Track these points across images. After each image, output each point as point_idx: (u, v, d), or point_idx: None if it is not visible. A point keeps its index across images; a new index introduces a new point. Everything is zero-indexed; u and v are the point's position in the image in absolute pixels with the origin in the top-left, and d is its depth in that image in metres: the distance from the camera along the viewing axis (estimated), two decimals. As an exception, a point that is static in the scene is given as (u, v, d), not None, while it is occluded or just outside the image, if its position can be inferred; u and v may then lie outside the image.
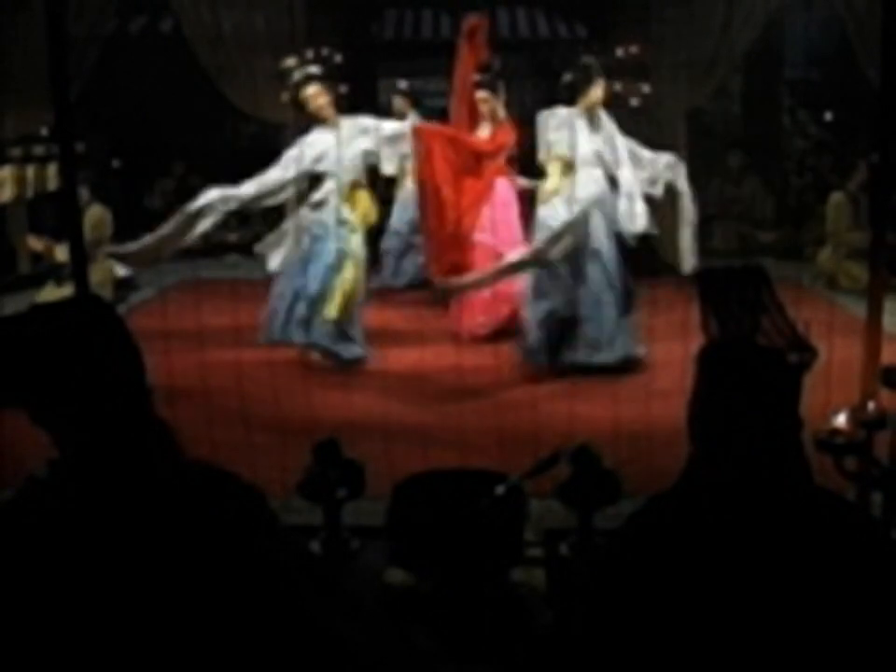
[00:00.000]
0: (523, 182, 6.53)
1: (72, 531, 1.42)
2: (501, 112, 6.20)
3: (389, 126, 5.78)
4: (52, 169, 7.63)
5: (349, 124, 5.53)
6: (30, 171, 7.70)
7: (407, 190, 7.29)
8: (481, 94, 6.08)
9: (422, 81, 11.54)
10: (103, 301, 1.59)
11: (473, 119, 6.18)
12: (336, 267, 5.39)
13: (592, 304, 5.37)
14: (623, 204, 5.32)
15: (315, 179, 5.56)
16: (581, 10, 10.21)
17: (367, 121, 5.64)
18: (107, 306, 1.55)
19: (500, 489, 2.78)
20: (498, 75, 6.36)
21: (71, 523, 1.42)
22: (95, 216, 7.07)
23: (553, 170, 5.55)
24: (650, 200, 5.40)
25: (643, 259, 8.24)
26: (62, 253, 6.99)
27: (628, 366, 5.37)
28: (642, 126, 7.68)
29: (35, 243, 7.37)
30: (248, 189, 5.37)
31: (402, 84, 8.16)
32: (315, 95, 5.41)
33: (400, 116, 7.72)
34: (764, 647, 1.56)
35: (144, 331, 1.77)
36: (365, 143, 5.51)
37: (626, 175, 5.36)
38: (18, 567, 1.42)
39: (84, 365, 1.45)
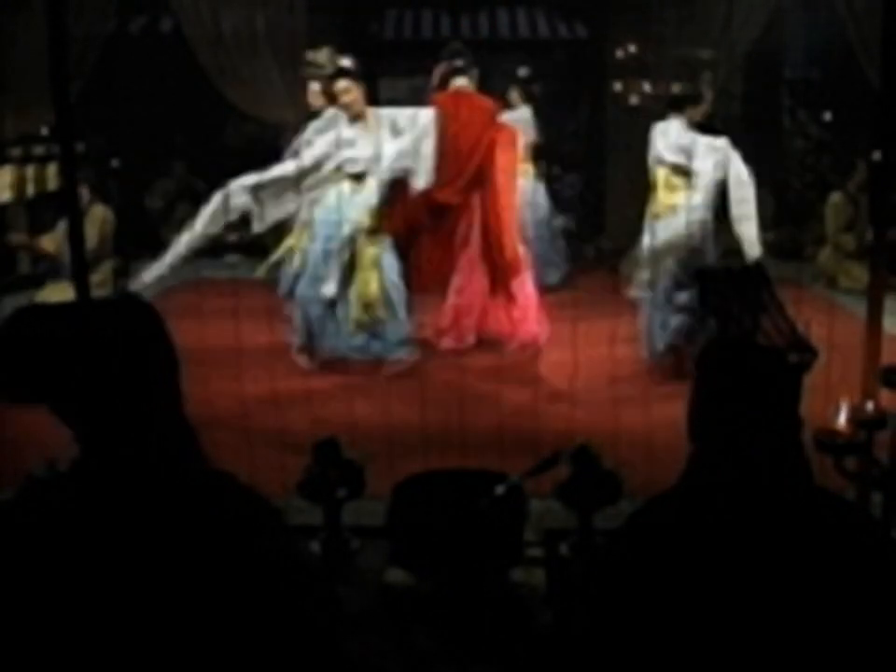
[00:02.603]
0: None
1: (91, 528, 1.42)
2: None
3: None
4: (52, 169, 7.64)
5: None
6: (30, 171, 7.70)
7: None
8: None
9: (422, 81, 11.54)
10: (145, 301, 1.57)
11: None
12: None
13: None
14: None
15: None
16: (581, 10, 10.21)
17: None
18: (149, 307, 1.55)
19: (500, 489, 2.79)
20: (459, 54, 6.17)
21: (92, 520, 1.43)
22: (97, 215, 7.07)
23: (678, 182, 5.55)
24: None
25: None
26: (49, 243, 7.02)
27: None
28: (642, 125, 7.67)
29: (19, 238, 7.39)
30: None
31: (522, 71, 7.78)
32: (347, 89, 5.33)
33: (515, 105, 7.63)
34: (765, 647, 1.56)
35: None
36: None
37: None
38: (34, 560, 1.42)
39: (125, 364, 1.45)
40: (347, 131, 5.34)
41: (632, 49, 8.44)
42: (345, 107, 5.36)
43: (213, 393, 4.23)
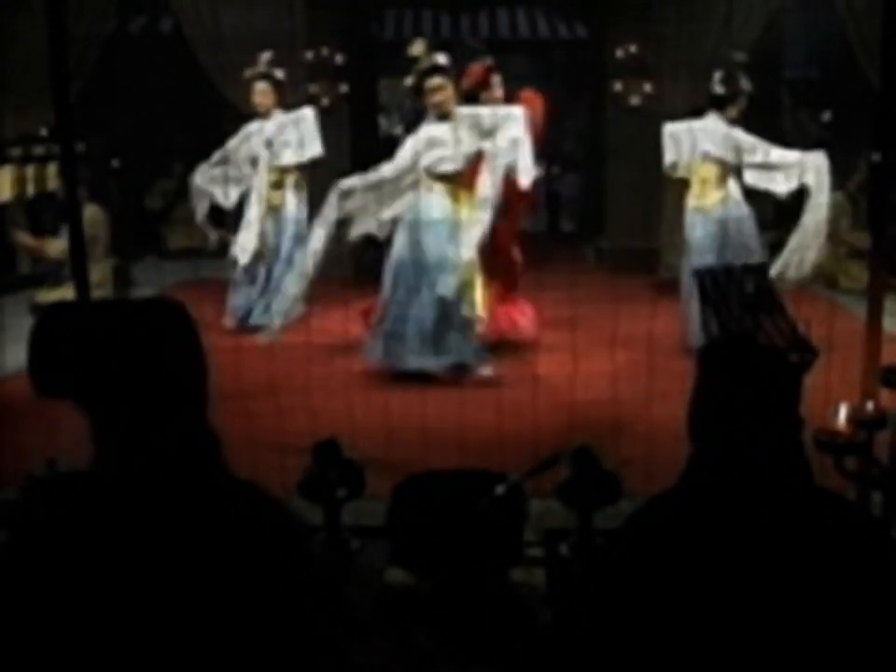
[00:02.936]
0: None
1: (107, 527, 1.43)
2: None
3: None
4: (52, 169, 7.65)
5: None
6: (30, 171, 7.71)
7: None
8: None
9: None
10: (182, 306, 1.57)
11: None
12: None
13: None
14: None
15: None
16: (580, 10, 10.22)
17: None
18: (185, 311, 1.55)
19: (500, 489, 2.78)
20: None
21: (109, 518, 1.44)
22: (89, 215, 7.07)
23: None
24: None
25: (643, 257, 8.26)
26: (53, 248, 7.05)
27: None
28: (642, 125, 7.68)
29: (25, 239, 7.40)
30: None
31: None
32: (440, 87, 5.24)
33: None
34: (765, 647, 1.56)
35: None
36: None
37: None
38: (50, 559, 1.42)
39: (157, 365, 1.46)
40: (436, 129, 5.27)
41: (632, 48, 8.43)
42: (436, 105, 5.25)
43: (212, 393, 4.24)
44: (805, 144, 9.98)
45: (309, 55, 8.21)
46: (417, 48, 5.35)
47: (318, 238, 5.17)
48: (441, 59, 5.24)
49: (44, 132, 7.73)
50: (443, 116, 5.26)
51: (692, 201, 6.09)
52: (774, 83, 9.90)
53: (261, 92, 6.77)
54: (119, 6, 7.67)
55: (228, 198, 6.85)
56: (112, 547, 1.41)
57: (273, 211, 6.70)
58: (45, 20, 3.08)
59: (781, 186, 5.88)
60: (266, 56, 6.72)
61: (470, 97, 5.75)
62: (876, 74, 3.55)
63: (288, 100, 7.74)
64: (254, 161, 6.79)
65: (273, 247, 6.70)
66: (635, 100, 8.46)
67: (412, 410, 4.55)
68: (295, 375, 4.86)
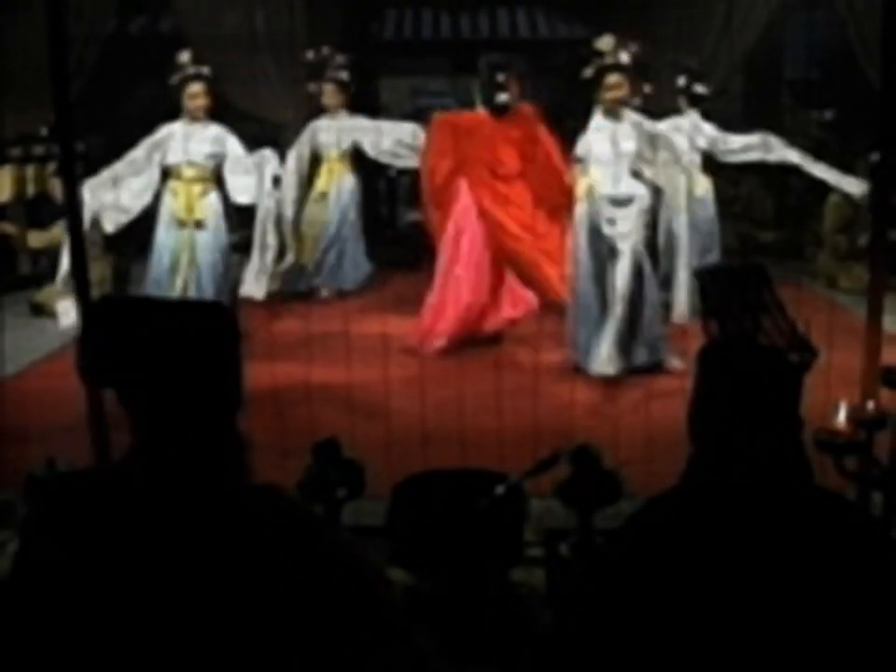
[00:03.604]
0: None
1: (128, 522, 1.44)
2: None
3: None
4: (52, 169, 7.65)
5: None
6: (30, 171, 7.72)
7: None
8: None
9: (422, 80, 11.55)
10: (229, 312, 1.60)
11: None
12: None
13: None
14: None
15: None
16: (581, 10, 10.21)
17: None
18: (233, 317, 1.57)
19: (500, 489, 2.78)
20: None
21: (132, 513, 1.45)
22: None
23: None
24: None
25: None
26: (35, 239, 7.07)
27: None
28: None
29: (7, 228, 7.41)
30: None
31: (343, 74, 7.54)
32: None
33: (334, 110, 7.56)
34: (765, 647, 1.56)
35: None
36: None
37: None
38: (70, 549, 1.43)
39: (202, 366, 1.48)
40: (604, 123, 5.44)
41: (632, 48, 8.42)
42: (610, 101, 5.38)
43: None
44: (805, 144, 10.01)
45: (309, 55, 8.21)
46: (606, 42, 5.48)
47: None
48: (625, 57, 5.41)
49: (44, 132, 7.73)
50: (612, 113, 5.43)
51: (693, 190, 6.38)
52: (774, 83, 9.90)
53: (198, 94, 6.08)
54: (119, 6, 7.65)
55: (115, 223, 6.09)
56: (132, 545, 1.42)
57: (198, 224, 6.21)
58: (45, 20, 3.08)
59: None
60: (186, 55, 6.12)
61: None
62: (876, 74, 3.55)
63: (288, 100, 7.76)
64: (168, 171, 6.19)
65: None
66: (635, 100, 8.45)
67: (411, 410, 4.55)
68: (295, 375, 4.86)
